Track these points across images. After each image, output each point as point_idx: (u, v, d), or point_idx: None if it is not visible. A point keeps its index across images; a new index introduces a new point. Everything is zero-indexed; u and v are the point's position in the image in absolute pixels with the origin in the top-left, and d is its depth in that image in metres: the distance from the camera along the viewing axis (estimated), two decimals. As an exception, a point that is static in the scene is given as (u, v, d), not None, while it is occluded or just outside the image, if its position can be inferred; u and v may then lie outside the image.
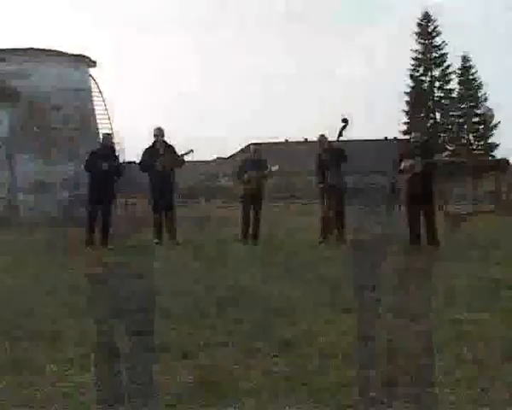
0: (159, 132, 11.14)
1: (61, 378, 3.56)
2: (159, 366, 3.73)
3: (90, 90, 22.21)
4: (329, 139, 10.96)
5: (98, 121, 22.38)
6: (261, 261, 8.41)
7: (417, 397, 3.17)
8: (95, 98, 22.54)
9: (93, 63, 22.20)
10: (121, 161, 11.44)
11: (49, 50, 20.41)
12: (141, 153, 11.27)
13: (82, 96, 21.35)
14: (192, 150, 11.23)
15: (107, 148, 11.02)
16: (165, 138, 11.22)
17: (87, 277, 7.29)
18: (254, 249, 10.07)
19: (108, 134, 12.11)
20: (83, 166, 11.39)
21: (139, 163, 11.23)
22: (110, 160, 10.73)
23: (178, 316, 5.02)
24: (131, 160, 15.48)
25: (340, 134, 10.39)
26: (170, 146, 11.16)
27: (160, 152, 10.98)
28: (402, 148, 24.40)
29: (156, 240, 10.95)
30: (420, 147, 10.09)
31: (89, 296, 5.99)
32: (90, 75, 22.36)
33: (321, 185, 10.69)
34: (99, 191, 10.69)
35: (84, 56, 21.76)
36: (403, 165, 9.91)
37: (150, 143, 11.19)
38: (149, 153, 11.07)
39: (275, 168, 11.71)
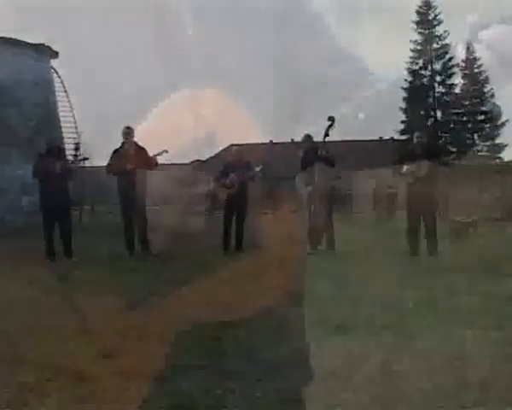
0: (128, 132, 11.11)
1: (19, 407, 3.53)
2: (130, 392, 3.72)
3: (51, 84, 22.07)
4: (315, 139, 11.08)
5: (61, 119, 22.27)
6: (244, 274, 8.42)
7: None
8: (57, 93, 22.41)
9: (55, 54, 22.06)
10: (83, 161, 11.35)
11: (5, 38, 20.03)
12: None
13: (43, 91, 21.20)
14: (166, 151, 11.22)
15: (55, 149, 10.97)
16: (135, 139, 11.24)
17: (50, 292, 7.24)
18: (236, 261, 10.07)
19: (52, 137, 12.00)
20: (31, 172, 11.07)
21: (106, 166, 11.16)
22: (60, 162, 10.64)
23: (151, 335, 5.01)
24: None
25: (327, 134, 10.48)
26: (141, 147, 11.13)
27: (130, 153, 10.93)
28: (402, 148, 24.54)
29: (128, 251, 10.92)
30: (423, 147, 10.18)
31: (51, 314, 5.95)
32: (52, 67, 22.21)
33: (309, 189, 10.72)
34: (52, 198, 10.53)
35: (44, 46, 21.60)
36: (404, 168, 9.99)
37: (119, 144, 11.16)
38: (118, 155, 11.01)
39: (258, 168, 11.76)
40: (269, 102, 56.76)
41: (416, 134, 10.69)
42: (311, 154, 10.82)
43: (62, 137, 21.08)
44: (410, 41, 49.35)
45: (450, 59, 49.43)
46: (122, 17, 77.93)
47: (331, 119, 10.43)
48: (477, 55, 49.60)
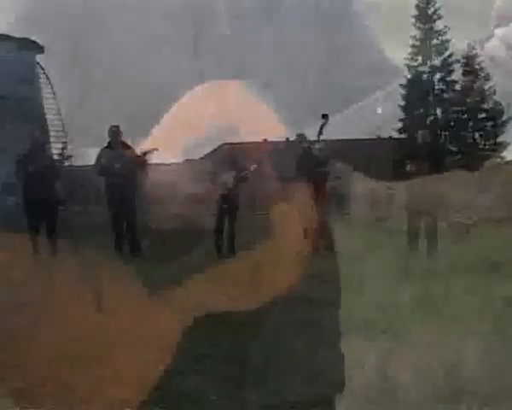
0: (115, 131, 11.12)
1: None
2: (120, 398, 3.72)
3: (37, 80, 21.96)
4: (309, 138, 11.13)
5: (47, 116, 22.13)
6: (237, 279, 8.40)
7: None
8: (43, 89, 22.29)
9: (41, 49, 21.95)
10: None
11: (-14, 32, 19.92)
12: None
13: (28, 87, 21.08)
14: (156, 149, 11.22)
15: (39, 147, 10.99)
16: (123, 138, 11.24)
17: (35, 293, 7.21)
18: (229, 265, 10.05)
19: (36, 135, 11.96)
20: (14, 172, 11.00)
21: (94, 167, 11.15)
22: (43, 160, 10.67)
23: (142, 341, 5.00)
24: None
25: (321, 132, 10.52)
26: (128, 146, 11.14)
27: (117, 153, 10.91)
28: (403, 147, 24.54)
29: (117, 252, 10.88)
30: (426, 147, 10.23)
31: (38, 317, 5.93)
32: (38, 63, 22.11)
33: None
34: (36, 198, 10.50)
35: (30, 41, 21.47)
36: (408, 167, 10.06)
37: (105, 144, 11.16)
38: (105, 154, 11.00)
39: (253, 168, 11.75)
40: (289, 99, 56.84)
41: (420, 133, 10.77)
42: (306, 155, 10.86)
43: (49, 136, 20.99)
44: (410, 36, 49.27)
45: (450, 55, 49.38)
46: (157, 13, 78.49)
47: (325, 116, 10.46)
48: (479, 51, 49.59)
